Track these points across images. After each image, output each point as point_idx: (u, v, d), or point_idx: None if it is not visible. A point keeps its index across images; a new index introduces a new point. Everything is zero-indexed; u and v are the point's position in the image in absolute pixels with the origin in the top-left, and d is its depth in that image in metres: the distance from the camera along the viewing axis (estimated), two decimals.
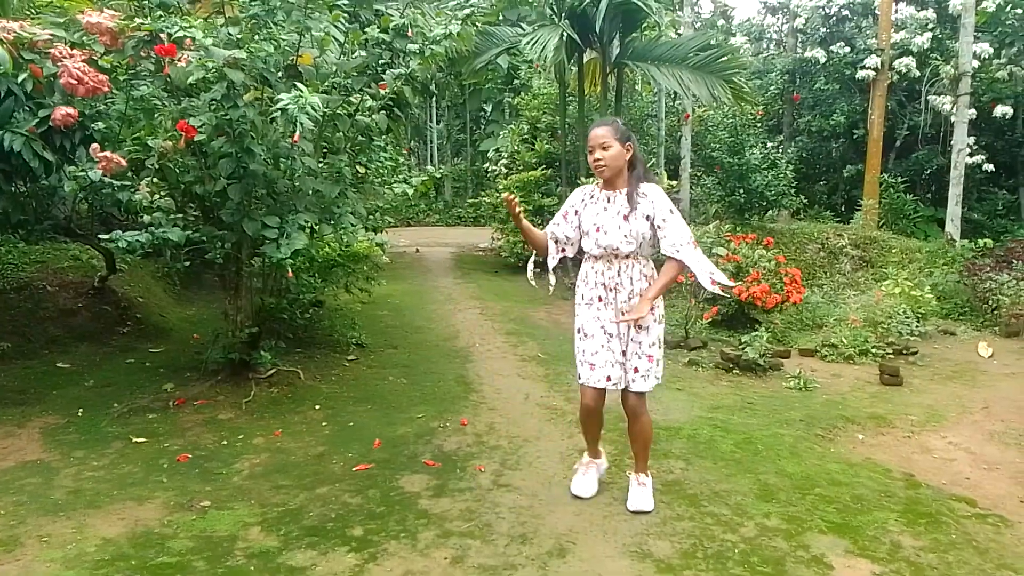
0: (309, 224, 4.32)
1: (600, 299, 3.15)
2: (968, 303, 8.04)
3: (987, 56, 11.74)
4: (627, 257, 3.10)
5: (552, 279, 3.51)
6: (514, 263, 10.50)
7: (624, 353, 3.13)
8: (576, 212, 3.22)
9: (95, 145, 3.91)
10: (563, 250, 3.29)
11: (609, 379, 3.12)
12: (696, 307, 6.74)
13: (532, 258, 3.46)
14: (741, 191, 10.84)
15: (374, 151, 5.18)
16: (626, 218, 3.06)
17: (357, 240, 5.08)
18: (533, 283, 3.48)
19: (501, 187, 11.14)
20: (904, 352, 6.30)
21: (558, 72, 10.63)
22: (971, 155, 11.36)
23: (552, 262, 3.33)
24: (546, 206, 10.36)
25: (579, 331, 3.21)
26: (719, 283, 3.16)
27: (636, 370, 3.11)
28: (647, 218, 3.06)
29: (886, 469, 3.77)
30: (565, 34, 8.81)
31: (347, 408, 4.58)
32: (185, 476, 3.55)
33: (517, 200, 3.17)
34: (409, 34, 4.52)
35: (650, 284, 3.11)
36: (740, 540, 2.95)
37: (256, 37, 4.12)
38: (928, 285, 7.85)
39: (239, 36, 4.10)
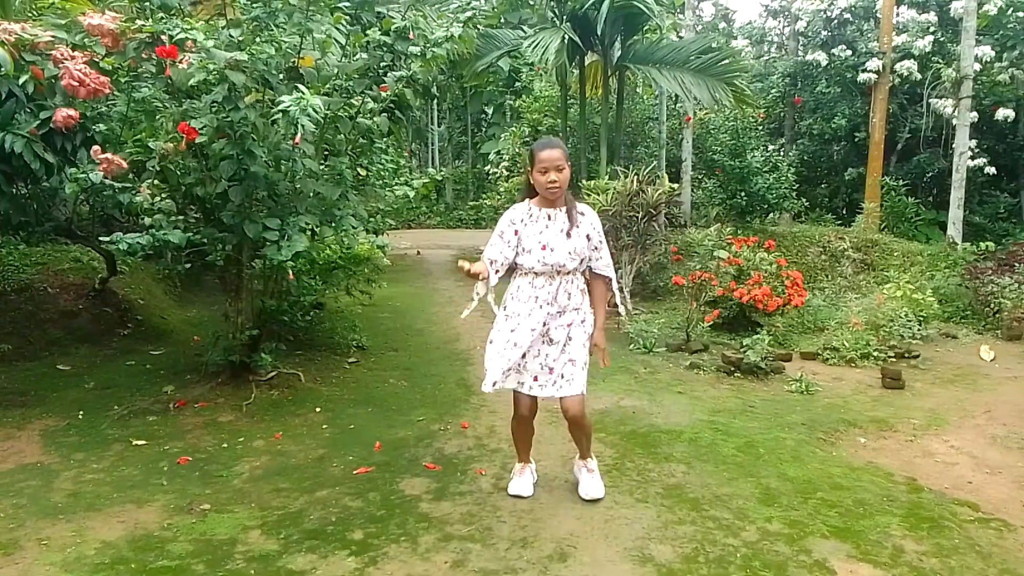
0: (310, 226, 4.32)
1: (529, 313, 3.16)
2: (970, 306, 8.02)
3: (989, 59, 11.74)
4: (568, 273, 3.19)
5: (475, 302, 3.44)
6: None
7: (556, 361, 3.19)
8: (516, 232, 3.20)
9: (96, 147, 3.91)
10: (497, 271, 3.22)
11: (531, 387, 3.21)
12: (697, 310, 6.73)
13: (475, 295, 3.36)
14: (742, 194, 10.85)
15: (375, 153, 5.19)
16: (568, 235, 3.15)
17: (358, 242, 5.08)
18: (465, 315, 3.54)
19: (502, 189, 11.13)
20: (906, 355, 6.29)
21: (559, 75, 10.64)
22: (973, 158, 11.35)
23: (492, 283, 3.23)
24: None
25: (491, 342, 3.29)
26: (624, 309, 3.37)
27: (563, 376, 3.18)
28: (587, 237, 3.19)
29: (888, 473, 3.76)
30: (566, 37, 8.81)
31: (347, 411, 4.58)
32: (185, 479, 3.55)
33: (468, 269, 3.16)
34: (411, 36, 4.53)
35: (583, 296, 3.24)
36: (742, 544, 2.94)
37: (257, 39, 4.12)
38: (930, 288, 7.83)
39: (240, 38, 4.10)
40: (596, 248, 3.23)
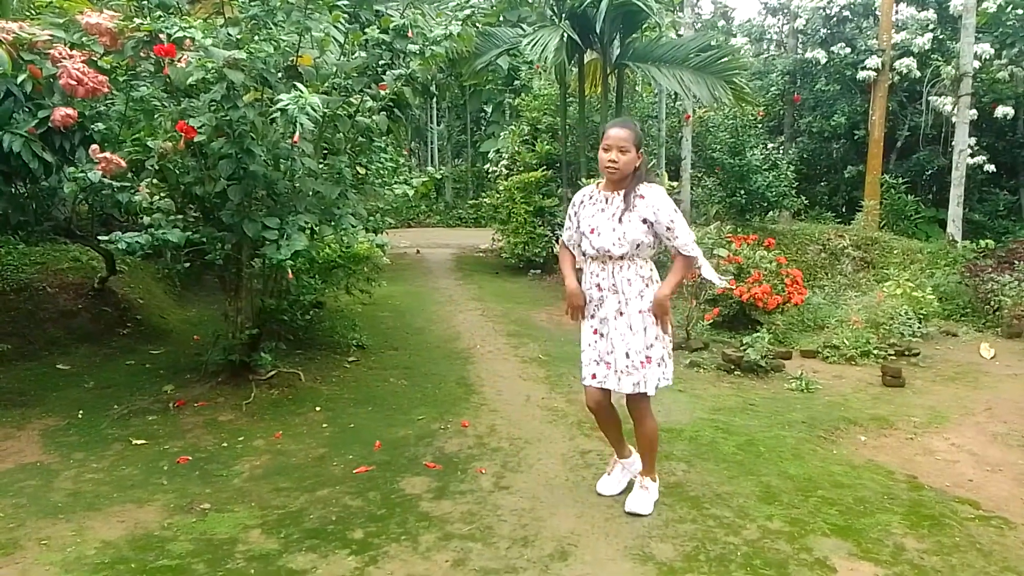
0: (309, 225, 4.31)
1: (593, 300, 3.15)
2: (970, 304, 8.03)
3: (988, 57, 11.74)
4: (620, 259, 3.05)
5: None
6: (515, 264, 10.49)
7: (611, 354, 3.09)
8: (575, 214, 3.21)
9: (95, 146, 3.90)
10: (583, 253, 3.23)
11: (595, 376, 3.14)
12: (697, 308, 6.73)
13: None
14: (742, 192, 10.84)
15: (374, 152, 5.18)
16: (620, 220, 3.02)
17: (357, 241, 5.08)
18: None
19: (502, 188, 11.13)
20: (906, 353, 6.29)
21: (558, 73, 10.62)
22: (972, 156, 11.36)
23: (579, 264, 3.28)
24: (547, 207, 10.36)
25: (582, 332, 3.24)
26: (720, 280, 3.20)
27: (634, 371, 3.06)
28: (644, 221, 3.00)
29: (889, 471, 3.76)
30: (565, 35, 8.80)
31: (348, 410, 4.57)
32: (185, 478, 3.54)
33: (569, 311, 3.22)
34: (409, 35, 4.51)
35: (647, 285, 3.07)
36: (743, 543, 2.93)
37: (256, 38, 4.11)
38: (930, 286, 7.83)
39: (239, 37, 4.09)
40: (669, 228, 2.99)
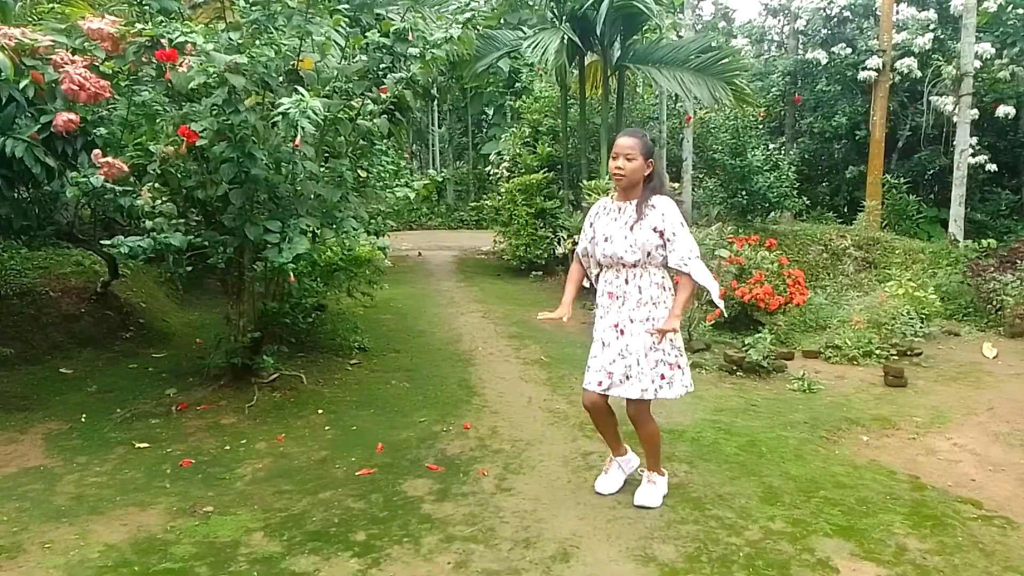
0: (311, 228, 4.32)
1: (604, 307, 3.23)
2: (972, 304, 8.01)
3: (989, 56, 11.71)
4: (634, 266, 3.13)
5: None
6: (516, 266, 10.50)
7: (614, 364, 3.15)
8: (591, 224, 3.30)
9: (97, 151, 3.91)
10: (598, 263, 3.30)
11: (600, 384, 3.18)
12: (699, 309, 6.73)
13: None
14: (743, 193, 10.83)
15: (376, 155, 5.19)
16: (632, 228, 3.11)
17: (359, 244, 5.09)
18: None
19: (503, 190, 11.14)
20: (908, 353, 6.28)
21: (559, 75, 10.63)
22: (974, 155, 11.33)
23: (592, 276, 3.39)
24: (548, 209, 10.36)
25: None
26: (718, 299, 3.27)
27: (639, 380, 3.11)
28: (655, 230, 3.08)
29: (891, 471, 3.75)
30: (566, 37, 8.81)
31: (350, 412, 4.58)
32: (188, 481, 3.55)
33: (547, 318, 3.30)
34: (410, 38, 4.53)
35: (662, 290, 3.14)
36: (745, 543, 2.94)
37: (257, 42, 4.12)
38: (932, 286, 7.82)
39: (240, 41, 4.10)
40: (669, 240, 3.07)
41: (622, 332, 3.14)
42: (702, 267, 3.12)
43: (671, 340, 3.14)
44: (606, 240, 3.16)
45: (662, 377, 3.13)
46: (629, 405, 3.18)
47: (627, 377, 3.12)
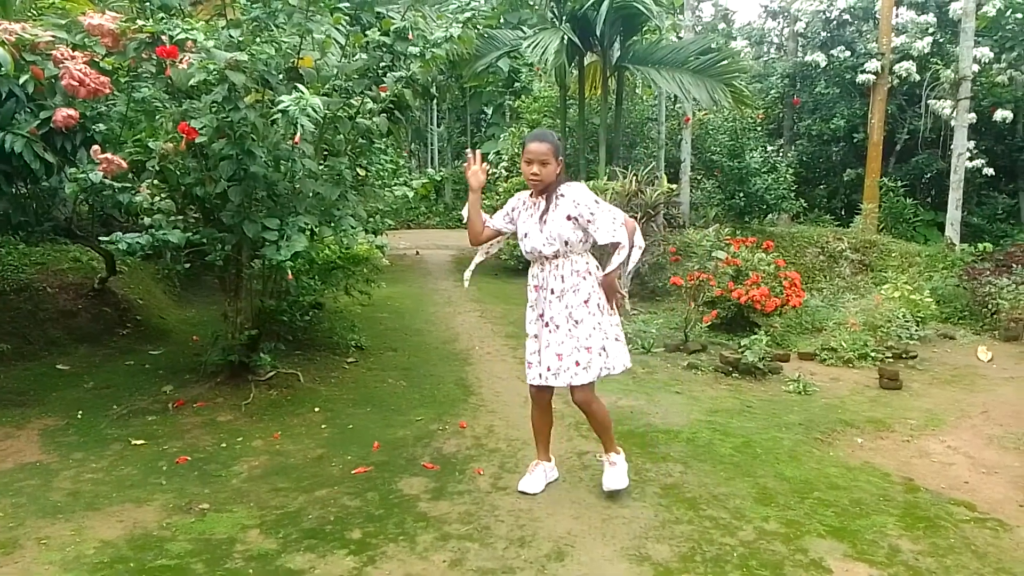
0: (309, 226, 4.32)
1: (530, 302, 3.34)
2: (967, 307, 8.04)
3: (987, 60, 11.75)
4: (554, 258, 3.22)
5: (472, 267, 3.74)
6: (514, 266, 10.50)
7: (537, 353, 3.26)
8: (513, 211, 3.40)
9: (96, 147, 3.92)
10: (485, 223, 3.42)
11: (541, 376, 3.25)
12: (696, 311, 6.74)
13: (473, 263, 3.70)
14: (741, 195, 10.86)
15: (375, 153, 5.20)
16: (543, 220, 3.20)
17: (357, 242, 5.09)
18: (467, 284, 3.75)
19: (502, 190, 11.14)
20: (903, 356, 6.30)
21: (559, 75, 10.65)
22: (971, 159, 11.36)
23: (481, 254, 3.60)
24: None
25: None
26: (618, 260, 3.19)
27: (577, 363, 3.16)
28: (568, 218, 3.16)
29: (885, 473, 3.77)
30: (566, 37, 8.83)
31: (346, 410, 4.58)
32: (184, 478, 3.55)
33: (478, 160, 3.35)
34: (410, 37, 4.53)
35: (584, 279, 3.20)
36: (739, 544, 2.95)
37: (257, 39, 4.13)
38: (928, 289, 7.86)
39: (240, 38, 4.11)
40: (589, 221, 3.13)
41: (547, 323, 3.24)
42: (624, 231, 3.14)
43: (595, 326, 3.16)
44: (526, 236, 3.26)
45: (577, 363, 3.16)
46: (571, 393, 3.26)
47: (576, 364, 3.18)
